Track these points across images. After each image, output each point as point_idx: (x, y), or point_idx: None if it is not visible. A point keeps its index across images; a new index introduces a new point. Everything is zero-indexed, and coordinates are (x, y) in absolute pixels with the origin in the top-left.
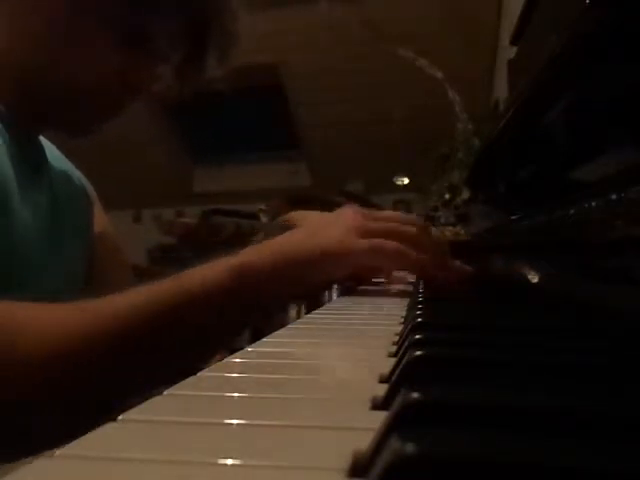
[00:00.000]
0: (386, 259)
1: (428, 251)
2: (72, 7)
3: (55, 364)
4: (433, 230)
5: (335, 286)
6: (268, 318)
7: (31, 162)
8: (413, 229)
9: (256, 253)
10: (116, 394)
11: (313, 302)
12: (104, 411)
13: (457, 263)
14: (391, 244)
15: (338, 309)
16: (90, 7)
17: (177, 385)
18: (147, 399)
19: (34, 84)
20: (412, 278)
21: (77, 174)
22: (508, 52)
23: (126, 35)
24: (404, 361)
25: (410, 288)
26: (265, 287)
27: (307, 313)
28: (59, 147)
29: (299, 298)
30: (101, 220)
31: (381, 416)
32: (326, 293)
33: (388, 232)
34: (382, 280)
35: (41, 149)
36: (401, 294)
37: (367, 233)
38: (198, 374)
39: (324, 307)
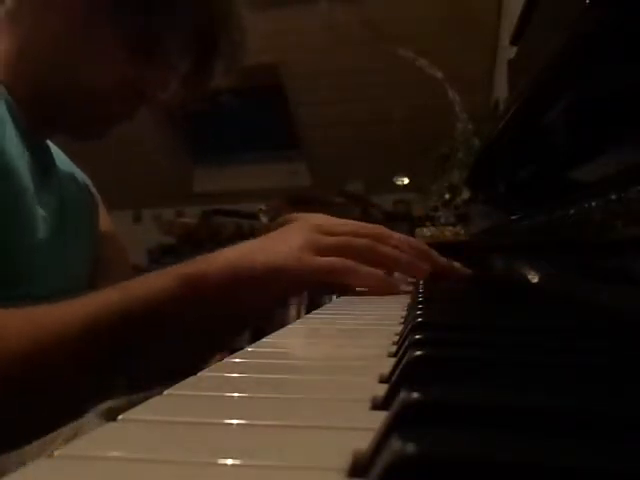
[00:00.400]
0: (340, 277)
1: (389, 260)
2: (88, 8)
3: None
4: (431, 230)
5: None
6: (241, 328)
7: (41, 163)
8: (365, 241)
9: (207, 263)
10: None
11: (310, 303)
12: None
13: (444, 260)
14: (340, 263)
15: (338, 309)
16: (105, 10)
17: (177, 385)
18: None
19: (48, 85)
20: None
21: (82, 176)
22: (508, 52)
23: (139, 41)
24: (404, 361)
25: (409, 287)
26: (216, 299)
27: (307, 313)
28: (62, 149)
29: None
30: (105, 221)
31: (381, 416)
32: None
33: (341, 247)
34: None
35: (49, 151)
36: (402, 292)
37: (320, 249)
38: (198, 374)
39: (324, 307)
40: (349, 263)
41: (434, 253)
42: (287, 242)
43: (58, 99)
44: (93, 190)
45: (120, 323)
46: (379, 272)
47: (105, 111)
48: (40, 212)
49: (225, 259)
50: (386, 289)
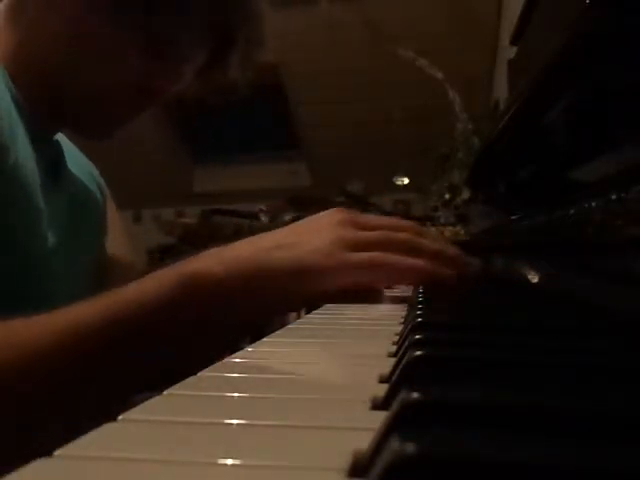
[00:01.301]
0: (385, 274)
1: (431, 254)
2: (88, 7)
3: None
4: (433, 230)
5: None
6: (238, 339)
7: (49, 162)
8: (406, 235)
9: (213, 260)
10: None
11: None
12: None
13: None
14: (382, 257)
15: (338, 309)
16: (105, 10)
17: (177, 385)
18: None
19: (52, 83)
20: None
21: (91, 169)
22: (508, 52)
23: (146, 40)
24: (404, 361)
25: (408, 293)
26: (222, 303)
27: (307, 313)
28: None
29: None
30: (113, 215)
31: (381, 416)
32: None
33: (380, 242)
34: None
35: (59, 148)
36: (398, 299)
37: (358, 245)
38: (198, 374)
39: (324, 307)
40: (392, 257)
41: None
42: (315, 236)
43: (63, 97)
44: (102, 182)
45: (104, 335)
46: (423, 263)
47: (113, 110)
48: (49, 212)
49: (235, 256)
50: (436, 279)
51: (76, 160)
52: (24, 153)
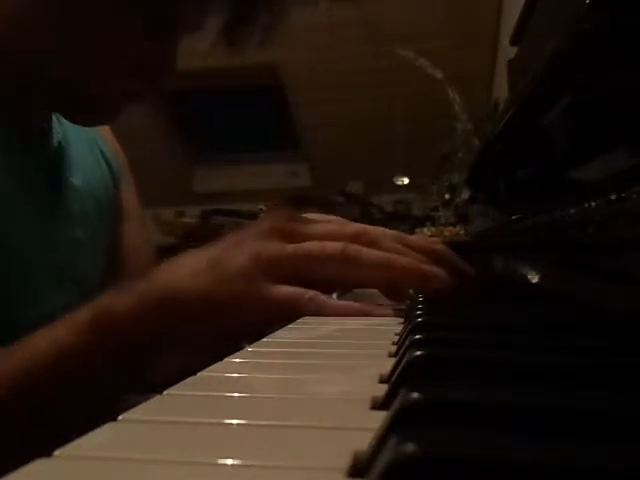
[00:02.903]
0: (304, 312)
1: (369, 273)
2: None
3: None
4: (431, 230)
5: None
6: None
7: (43, 163)
8: (341, 247)
9: (129, 295)
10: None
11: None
12: None
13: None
14: (308, 295)
15: None
16: None
17: (177, 385)
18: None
19: (41, 74)
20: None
21: (102, 146)
22: (508, 52)
23: (146, 10)
24: (404, 361)
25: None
26: (138, 338)
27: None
28: None
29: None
30: (128, 202)
31: (381, 416)
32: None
33: (305, 259)
34: None
35: (58, 152)
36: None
37: (278, 265)
38: (198, 374)
39: None
40: (314, 296)
41: (451, 254)
42: (237, 252)
43: (53, 81)
44: (116, 165)
45: (20, 386)
46: (352, 304)
47: (108, 95)
48: (29, 212)
49: (148, 289)
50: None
51: (87, 146)
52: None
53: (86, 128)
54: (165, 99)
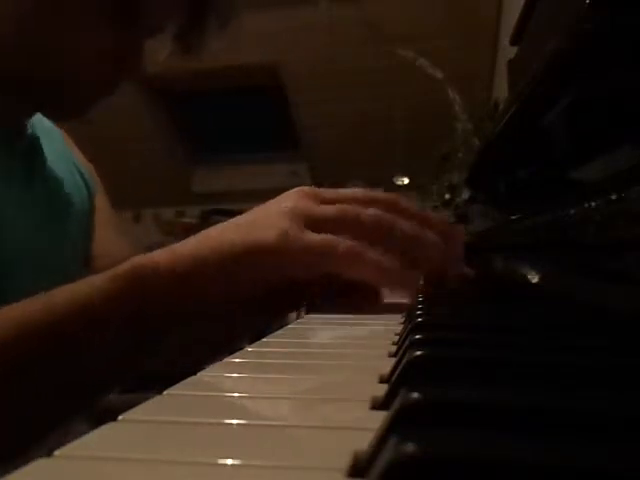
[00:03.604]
0: (338, 264)
1: (404, 238)
2: None
3: None
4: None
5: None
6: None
7: (21, 158)
8: (374, 212)
9: (167, 251)
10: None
11: (312, 304)
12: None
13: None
14: (336, 242)
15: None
16: None
17: (177, 385)
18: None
19: (12, 57)
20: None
21: (76, 159)
22: (508, 52)
23: (113, 10)
24: (404, 361)
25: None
26: (178, 294)
27: (307, 313)
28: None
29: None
30: (101, 213)
31: (381, 416)
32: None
33: (341, 219)
34: None
35: (33, 141)
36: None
37: (318, 222)
38: (198, 374)
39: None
40: (350, 244)
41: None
42: (272, 212)
43: (28, 76)
44: (90, 179)
45: (45, 336)
46: (393, 261)
47: (83, 85)
48: (14, 210)
49: (183, 245)
50: (400, 286)
51: (60, 154)
52: None
53: (59, 146)
54: (165, 98)
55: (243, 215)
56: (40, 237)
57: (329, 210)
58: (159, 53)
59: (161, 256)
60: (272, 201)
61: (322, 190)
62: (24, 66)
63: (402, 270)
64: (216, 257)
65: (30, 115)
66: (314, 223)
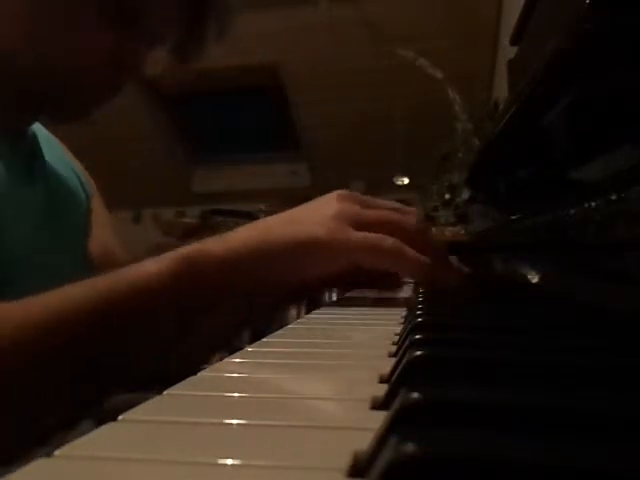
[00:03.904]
0: (383, 259)
1: (428, 250)
2: None
3: None
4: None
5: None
6: (252, 319)
7: (22, 158)
8: (414, 222)
9: (218, 240)
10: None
11: (312, 303)
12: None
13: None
14: (391, 241)
15: (337, 310)
16: None
17: (177, 385)
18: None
19: (16, 68)
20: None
21: (75, 168)
22: (508, 52)
23: (114, 13)
24: (404, 361)
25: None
26: (227, 280)
27: (307, 313)
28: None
29: (291, 298)
30: (97, 215)
31: (381, 416)
32: (326, 294)
33: (386, 223)
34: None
35: (33, 142)
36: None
37: (361, 223)
38: (198, 374)
39: (323, 308)
40: (398, 243)
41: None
42: (317, 211)
43: (29, 80)
44: (86, 182)
45: (102, 317)
46: (427, 259)
47: (83, 89)
48: (14, 210)
49: (235, 235)
50: (433, 280)
51: (58, 158)
52: None
53: (57, 151)
54: (166, 100)
55: (284, 214)
56: (40, 237)
57: (372, 213)
58: (158, 64)
59: (214, 244)
60: (313, 203)
61: (358, 194)
62: (27, 68)
63: (435, 266)
64: (266, 248)
65: (32, 116)
66: (357, 224)
